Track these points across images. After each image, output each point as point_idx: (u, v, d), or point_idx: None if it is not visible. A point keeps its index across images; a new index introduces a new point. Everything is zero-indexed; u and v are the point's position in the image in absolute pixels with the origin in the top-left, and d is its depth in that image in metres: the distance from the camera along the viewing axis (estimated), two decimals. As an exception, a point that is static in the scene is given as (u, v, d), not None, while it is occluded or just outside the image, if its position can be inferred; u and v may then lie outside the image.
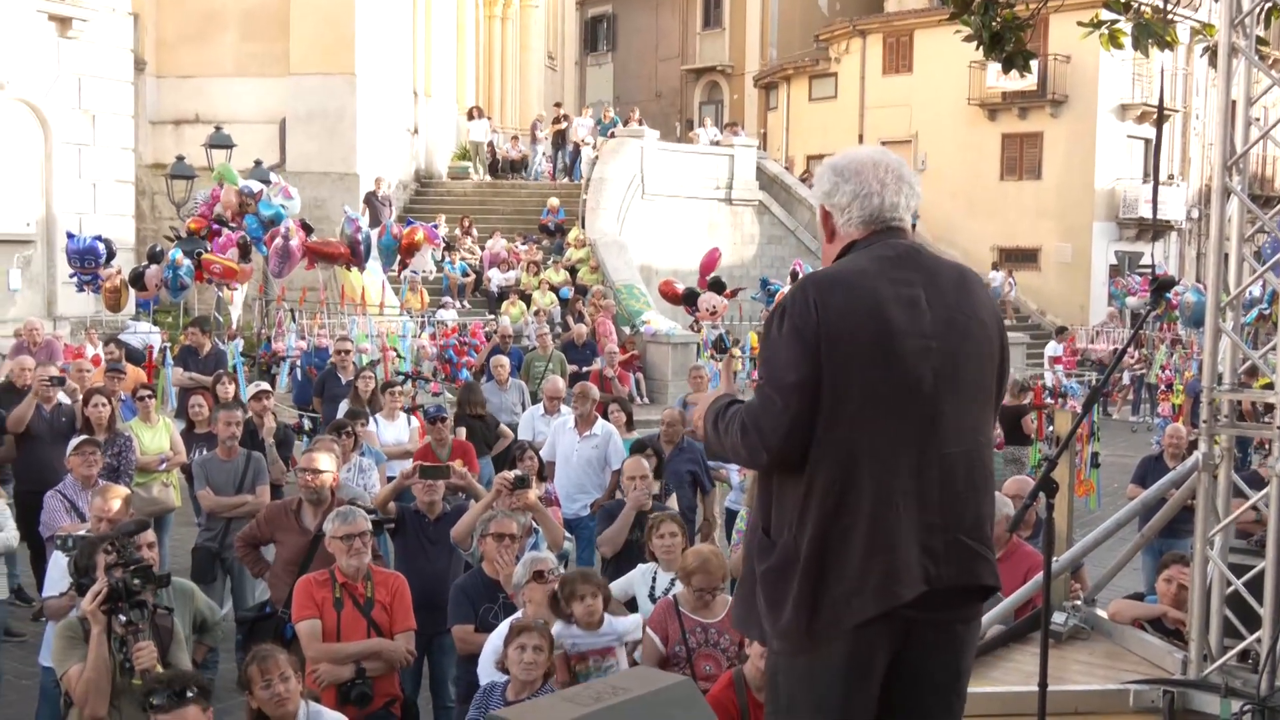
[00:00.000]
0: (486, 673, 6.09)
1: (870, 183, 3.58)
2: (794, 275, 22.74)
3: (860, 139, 38.93)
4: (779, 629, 3.45)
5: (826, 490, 3.38)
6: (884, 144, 40.63)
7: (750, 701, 5.59)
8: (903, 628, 3.41)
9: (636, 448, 9.84)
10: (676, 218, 29.76)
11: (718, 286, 20.95)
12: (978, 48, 7.82)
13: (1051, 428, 13.70)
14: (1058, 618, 6.37)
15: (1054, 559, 5.30)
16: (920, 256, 3.57)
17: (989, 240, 37.66)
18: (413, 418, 12.28)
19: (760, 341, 3.55)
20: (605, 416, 11.63)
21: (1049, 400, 18.12)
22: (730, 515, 11.11)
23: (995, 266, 35.57)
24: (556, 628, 6.26)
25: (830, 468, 3.38)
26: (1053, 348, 27.41)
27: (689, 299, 21.26)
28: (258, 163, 21.27)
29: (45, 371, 11.08)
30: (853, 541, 3.36)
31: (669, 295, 21.98)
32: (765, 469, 3.54)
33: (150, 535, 6.35)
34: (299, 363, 16.86)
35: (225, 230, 17.44)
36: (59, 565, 6.85)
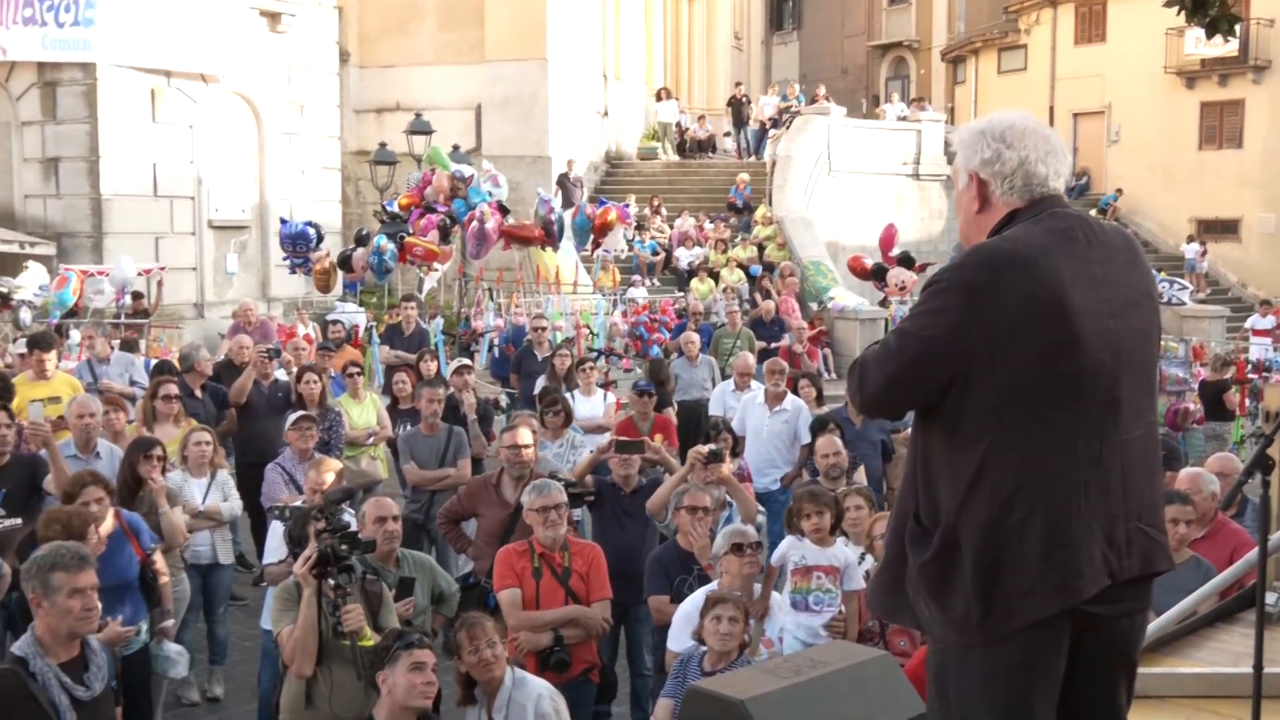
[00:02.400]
0: (679, 642, 6.11)
1: (1034, 149, 3.36)
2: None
3: (1051, 111, 37.76)
4: (949, 620, 3.23)
5: (999, 480, 3.16)
6: (1076, 116, 39.59)
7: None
8: (1079, 623, 3.20)
9: (818, 425, 9.76)
10: (863, 194, 29.34)
11: (907, 261, 20.57)
12: (1179, 13, 7.45)
13: (1259, 403, 13.07)
14: (1269, 598, 6.08)
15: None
16: (1092, 227, 3.33)
17: (1186, 212, 36.10)
18: (608, 393, 12.39)
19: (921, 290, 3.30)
20: (795, 392, 11.56)
21: (1252, 375, 17.30)
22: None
23: (1191, 239, 34.14)
24: (786, 542, 6.48)
25: (1004, 456, 3.16)
26: (1256, 320, 26.18)
27: (877, 274, 20.93)
28: (456, 148, 21.70)
29: (264, 347, 11.49)
30: (1030, 535, 3.15)
31: (857, 271, 21.67)
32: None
33: (394, 508, 6.53)
34: (497, 340, 17.15)
35: (429, 213, 17.84)
36: (277, 534, 7.08)
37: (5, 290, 16.95)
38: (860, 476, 9.20)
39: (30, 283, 17.05)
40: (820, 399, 11.76)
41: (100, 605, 4.88)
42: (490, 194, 18.09)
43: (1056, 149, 3.41)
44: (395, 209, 18.64)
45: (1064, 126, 39.20)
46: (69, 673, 4.65)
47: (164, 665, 7.57)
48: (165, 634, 7.57)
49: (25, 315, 16.31)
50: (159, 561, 7.36)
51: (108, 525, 6.85)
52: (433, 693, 4.96)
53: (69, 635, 4.68)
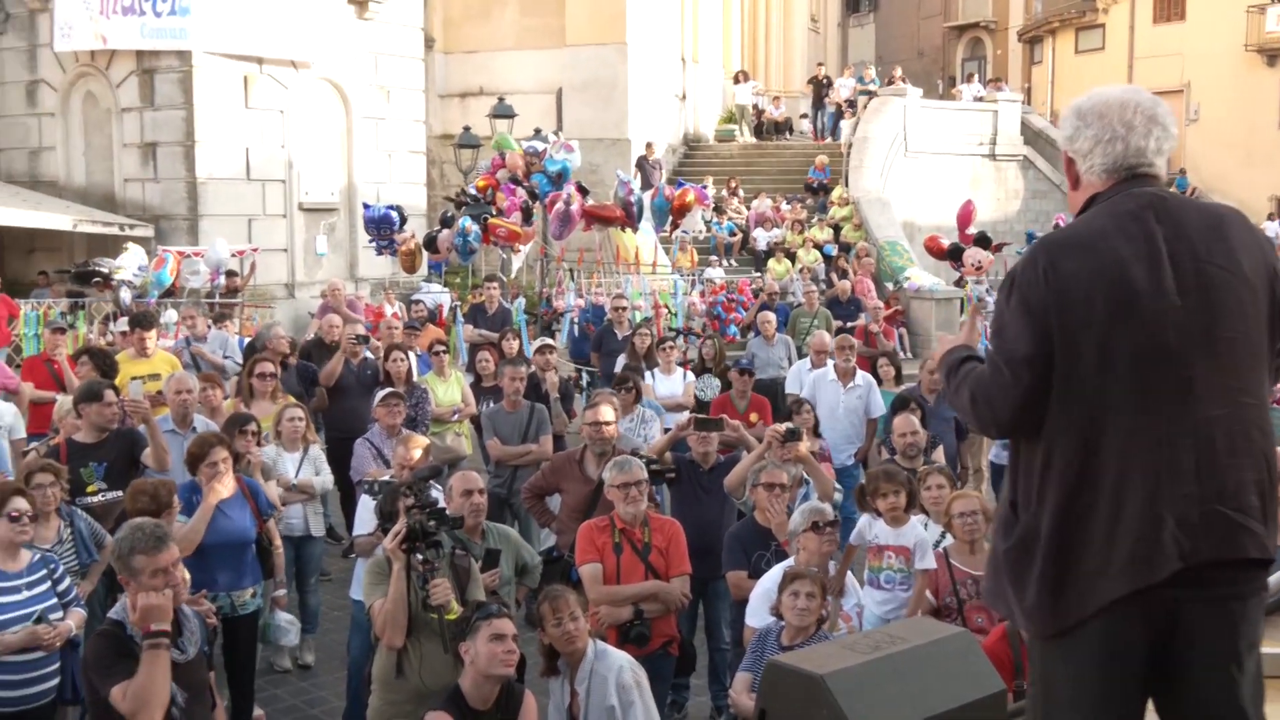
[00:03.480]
0: (757, 617, 6.11)
1: (1114, 126, 3.27)
2: (1056, 229, 21.82)
3: (1129, 90, 37.09)
4: (1025, 609, 3.21)
5: (1066, 466, 3.12)
6: (1155, 95, 38.77)
7: (1024, 655, 5.42)
8: (1165, 608, 3.10)
9: (899, 403, 9.69)
10: (939, 174, 29.01)
11: (983, 241, 20.28)
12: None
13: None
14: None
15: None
16: (1166, 206, 3.22)
17: (1267, 190, 35.21)
18: (687, 372, 12.38)
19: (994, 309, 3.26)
20: (874, 371, 11.51)
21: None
22: (995, 469, 10.84)
23: (1271, 216, 33.35)
24: (863, 520, 6.51)
25: (1069, 442, 3.12)
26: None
27: (954, 254, 20.67)
28: (537, 131, 21.73)
29: (353, 329, 11.62)
30: (1096, 519, 3.10)
31: (934, 251, 21.40)
32: (998, 439, 3.33)
33: (479, 481, 6.60)
34: (577, 319, 17.20)
35: (513, 191, 17.94)
36: (367, 507, 7.17)
37: (106, 271, 17.29)
38: (938, 455, 9.12)
39: (130, 263, 17.36)
40: (899, 377, 11.66)
41: (188, 575, 4.96)
42: (568, 160, 18.15)
43: (1154, 124, 3.30)
44: (474, 192, 18.76)
45: (1142, 106, 38.43)
46: (163, 637, 4.74)
47: (276, 634, 7.76)
48: (278, 603, 7.73)
49: (125, 295, 16.62)
50: (273, 530, 7.52)
51: (230, 486, 7.03)
52: (513, 660, 4.99)
53: None
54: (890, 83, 31.37)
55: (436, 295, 18.72)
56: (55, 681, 5.92)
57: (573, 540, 7.11)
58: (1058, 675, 3.22)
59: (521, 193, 17.93)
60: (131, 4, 20.85)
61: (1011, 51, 45.57)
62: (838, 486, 8.37)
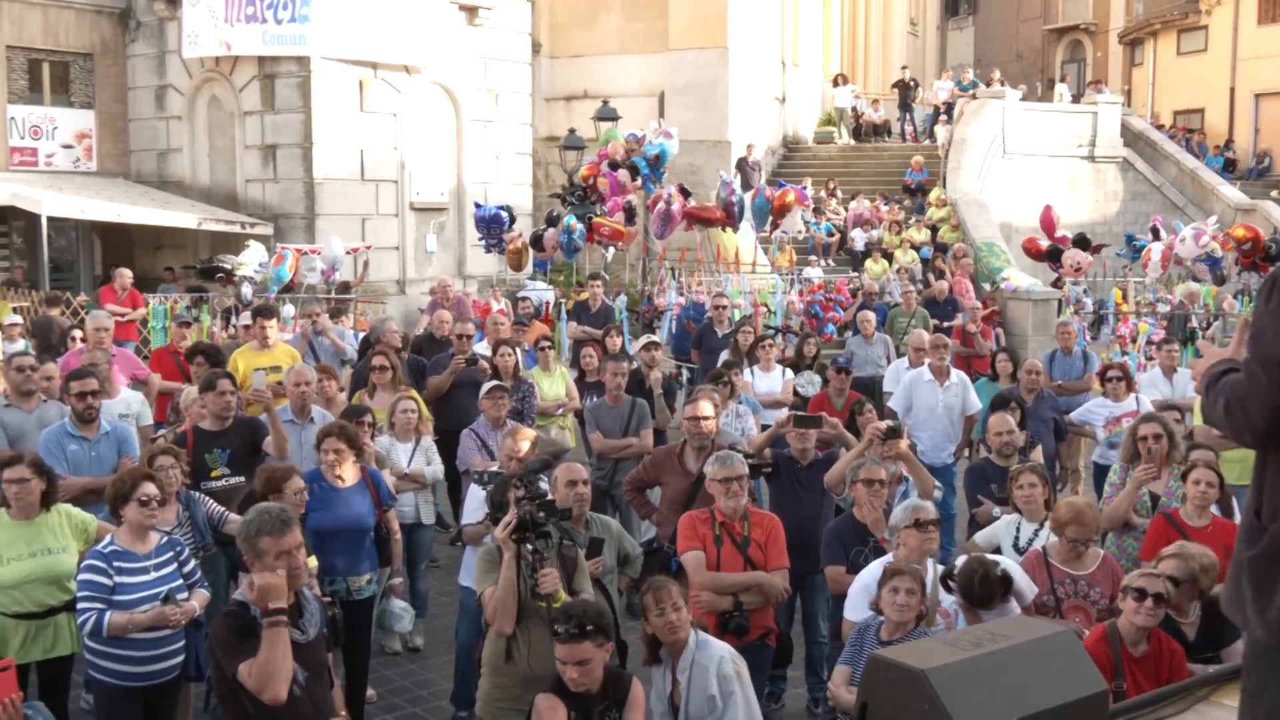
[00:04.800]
0: (856, 611, 6.06)
1: None
2: (1154, 231, 21.31)
3: (1231, 93, 36.17)
4: (1266, 620, 3.02)
5: None
6: (1258, 97, 37.71)
7: (1124, 656, 5.31)
8: None
9: (997, 402, 9.55)
10: (1037, 176, 28.52)
11: (1082, 243, 19.94)
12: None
13: None
14: None
15: None
16: None
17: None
18: (786, 370, 12.33)
19: (1253, 312, 3.03)
20: (993, 367, 11.48)
21: None
22: (1098, 470, 10.64)
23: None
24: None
25: None
26: None
27: (1052, 256, 20.36)
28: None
29: (465, 329, 11.68)
30: None
31: (1032, 252, 21.10)
32: (1253, 448, 3.16)
33: (584, 472, 6.63)
34: (678, 317, 17.20)
35: (613, 175, 18.11)
36: (475, 496, 7.24)
37: (229, 267, 17.67)
38: (1037, 455, 8.97)
39: (251, 260, 17.73)
40: (1015, 375, 11.44)
41: (309, 561, 5.04)
42: (665, 144, 18.25)
43: None
44: (574, 182, 18.97)
45: (1245, 108, 37.47)
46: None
47: (391, 620, 7.89)
48: (394, 590, 7.85)
49: (247, 290, 16.98)
50: (392, 519, 7.63)
51: (352, 475, 7.15)
52: (588, 675, 4.92)
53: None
54: (988, 85, 30.93)
55: (541, 293, 18.86)
56: (180, 659, 6.08)
57: (672, 531, 7.12)
58: None
59: (623, 174, 18.08)
60: (254, 12, 21.29)
61: (1112, 53, 44.63)
62: (938, 485, 8.28)
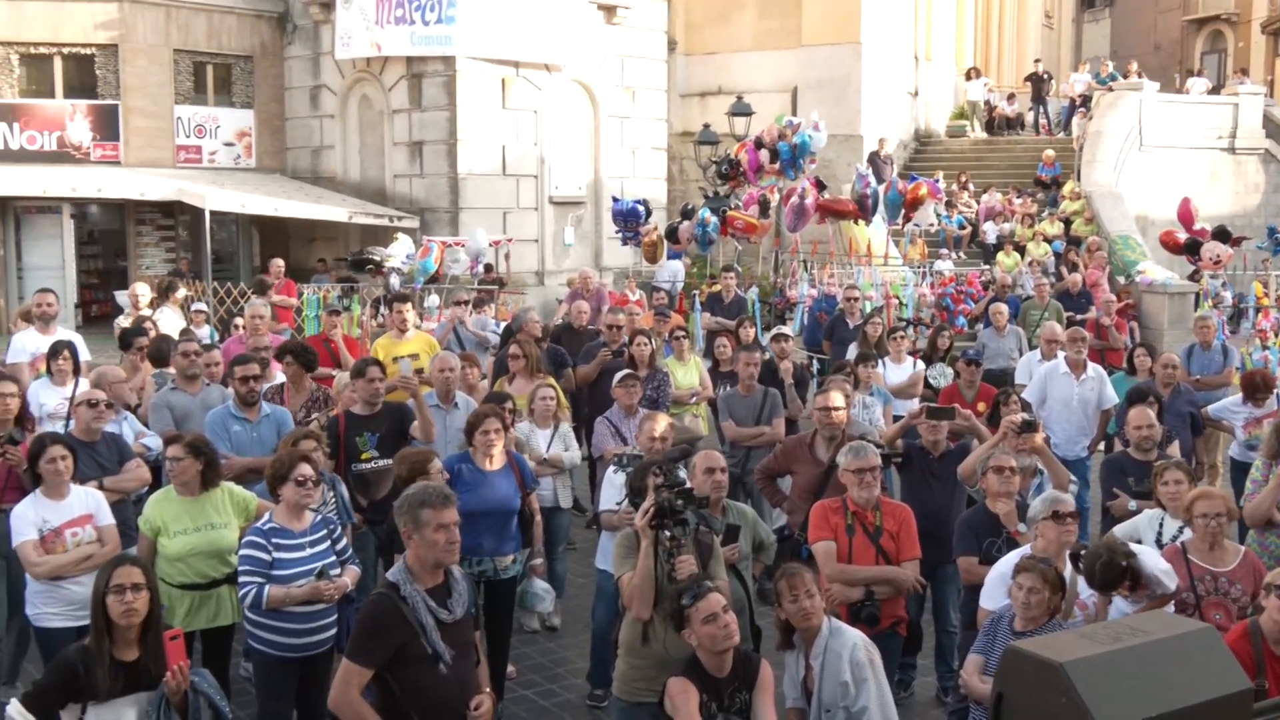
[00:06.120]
0: (993, 600, 5.93)
1: None
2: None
3: (1380, 81, 34.47)
4: None
5: None
6: None
7: (1266, 653, 5.11)
8: None
9: (1135, 396, 9.27)
10: (1175, 168, 27.57)
11: (1222, 235, 19.25)
12: None
13: None
14: None
15: None
16: None
17: None
18: (916, 361, 12.15)
19: None
20: (1131, 361, 11.17)
21: None
22: (1235, 466, 10.27)
23: None
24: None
25: None
26: None
27: (1191, 249, 19.69)
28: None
29: (613, 319, 11.74)
30: None
31: (1170, 245, 20.44)
32: None
33: (722, 460, 6.61)
34: (810, 308, 17.07)
35: (754, 151, 18.16)
36: (612, 482, 7.28)
37: (378, 258, 18.07)
38: (1174, 450, 8.68)
39: (399, 252, 18.10)
40: (1152, 370, 11.12)
41: (459, 539, 5.13)
42: (810, 138, 18.20)
43: None
44: (731, 156, 19.01)
45: (1394, 98, 35.71)
46: (434, 597, 4.88)
47: (532, 600, 7.99)
48: (535, 571, 7.95)
49: (395, 280, 17.34)
50: (534, 502, 7.72)
51: (500, 458, 7.26)
52: (733, 631, 4.94)
53: (434, 564, 4.92)
54: (1125, 77, 30.01)
55: (674, 269, 18.94)
56: (333, 632, 6.22)
57: (803, 519, 7.07)
58: None
59: (764, 154, 18.13)
60: (403, 14, 21.70)
61: (1254, 44, 42.95)
62: (1073, 479, 8.07)
